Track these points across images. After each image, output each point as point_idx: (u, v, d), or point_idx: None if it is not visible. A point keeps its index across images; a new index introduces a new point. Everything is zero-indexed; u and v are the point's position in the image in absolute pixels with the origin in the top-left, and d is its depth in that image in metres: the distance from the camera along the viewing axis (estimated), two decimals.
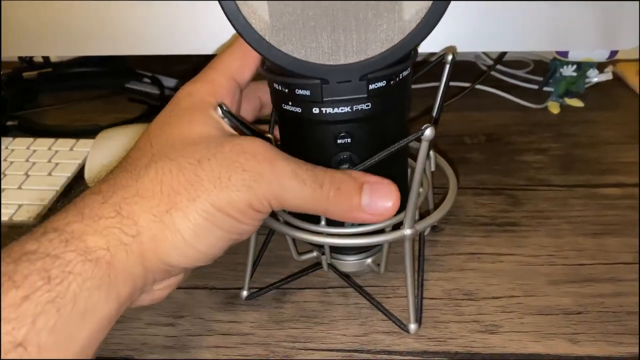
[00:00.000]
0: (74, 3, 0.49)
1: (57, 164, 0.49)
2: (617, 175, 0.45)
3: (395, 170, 0.33)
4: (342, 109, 0.28)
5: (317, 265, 0.36)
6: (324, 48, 0.26)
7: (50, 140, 0.52)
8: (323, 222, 0.31)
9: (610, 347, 0.31)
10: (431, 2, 0.26)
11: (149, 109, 0.58)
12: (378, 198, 0.27)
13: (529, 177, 0.46)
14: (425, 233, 0.38)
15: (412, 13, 0.26)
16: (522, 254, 0.38)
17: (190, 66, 0.64)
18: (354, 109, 0.28)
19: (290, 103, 0.29)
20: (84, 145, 0.51)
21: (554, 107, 0.56)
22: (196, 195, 0.25)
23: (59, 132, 0.54)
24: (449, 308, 0.34)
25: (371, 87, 0.28)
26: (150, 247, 0.25)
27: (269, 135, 0.33)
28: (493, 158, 0.49)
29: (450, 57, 0.33)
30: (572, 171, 0.46)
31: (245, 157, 0.26)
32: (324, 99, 0.28)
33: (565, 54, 0.53)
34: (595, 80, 0.57)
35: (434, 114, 0.33)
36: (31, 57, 0.65)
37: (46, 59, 0.65)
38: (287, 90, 0.29)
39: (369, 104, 0.28)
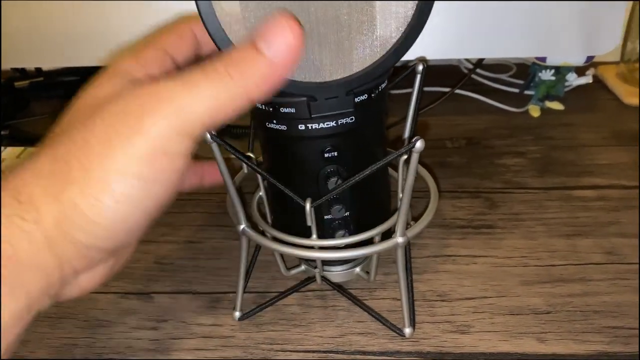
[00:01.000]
0: (63, 14, 0.50)
1: None
2: (592, 177, 0.47)
3: (379, 180, 0.34)
4: (327, 124, 0.29)
5: (310, 279, 0.37)
6: (311, 66, 0.27)
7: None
8: (314, 236, 0.32)
9: (577, 345, 0.32)
10: (410, 19, 0.26)
11: None
12: (278, 42, 0.23)
13: (507, 180, 0.47)
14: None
15: (393, 29, 0.27)
16: (496, 256, 0.39)
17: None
18: (339, 123, 0.29)
19: (274, 121, 0.30)
20: None
21: (534, 111, 0.57)
22: (89, 164, 0.22)
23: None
24: (422, 309, 0.35)
25: (356, 100, 0.29)
26: (57, 232, 0.22)
27: (249, 154, 0.34)
28: (473, 161, 0.50)
29: (420, 67, 0.34)
30: (549, 174, 0.47)
31: (136, 105, 0.23)
32: (312, 115, 0.28)
33: (543, 58, 0.54)
34: (575, 83, 0.58)
35: (408, 125, 0.34)
36: (23, 67, 0.66)
37: (38, 68, 0.66)
38: (271, 109, 0.29)
39: (353, 117, 0.29)
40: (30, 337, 0.34)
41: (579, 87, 0.59)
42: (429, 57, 0.48)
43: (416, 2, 0.26)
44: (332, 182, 0.31)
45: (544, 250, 0.39)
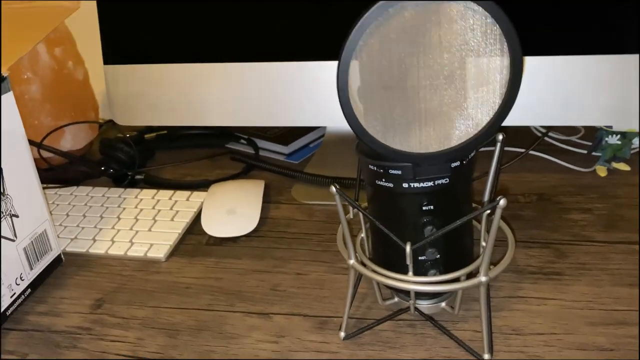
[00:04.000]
0: (189, 84, 0.62)
1: (177, 211, 0.60)
2: None
3: (465, 230, 0.41)
4: (427, 184, 0.37)
5: (403, 309, 0.44)
6: (416, 141, 0.35)
7: (170, 192, 0.64)
8: (410, 273, 0.39)
9: None
10: (497, 107, 0.34)
11: (247, 167, 0.69)
12: None
13: (574, 233, 0.53)
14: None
15: (484, 115, 0.35)
16: (564, 299, 0.45)
17: (279, 130, 0.76)
18: (436, 183, 0.37)
19: (383, 180, 0.38)
20: (197, 197, 0.62)
21: (601, 171, 0.63)
22: None
23: (175, 185, 0.66)
24: (499, 340, 0.41)
25: (451, 166, 0.37)
26: None
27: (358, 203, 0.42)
28: (543, 215, 0.56)
29: (500, 137, 0.42)
30: (614, 229, 0.53)
31: None
32: (415, 178, 0.36)
33: (609, 125, 0.60)
34: None
35: (489, 186, 0.42)
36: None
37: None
38: (382, 170, 0.38)
39: (447, 179, 0.37)
40: (178, 342, 0.43)
41: None
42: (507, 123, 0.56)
43: (502, 94, 0.34)
44: (428, 230, 0.38)
45: (608, 296, 0.45)
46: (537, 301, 0.45)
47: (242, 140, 0.76)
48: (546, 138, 0.70)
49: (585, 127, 0.73)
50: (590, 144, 0.67)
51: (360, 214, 0.42)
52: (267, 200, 0.63)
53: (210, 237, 0.57)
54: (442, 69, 0.34)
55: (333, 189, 0.37)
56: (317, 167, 0.68)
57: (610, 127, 0.60)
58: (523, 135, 0.70)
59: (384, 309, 0.45)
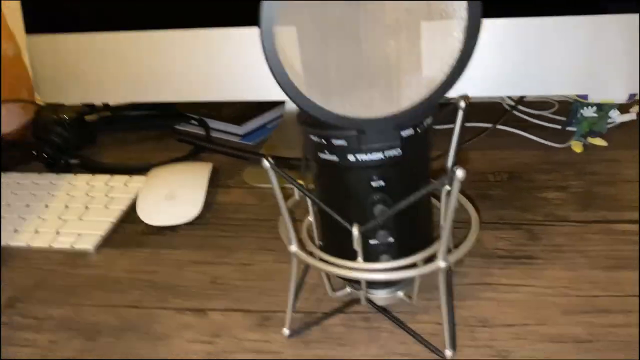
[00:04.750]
0: (127, 56, 0.55)
1: (112, 198, 0.54)
2: (634, 212, 0.47)
3: (422, 209, 0.36)
4: (375, 156, 0.32)
5: (355, 300, 0.39)
6: (361, 103, 0.30)
7: (106, 177, 0.57)
8: (360, 259, 0.34)
9: None
10: (454, 61, 0.29)
11: (195, 149, 0.63)
12: None
13: (548, 212, 0.48)
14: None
15: (437, 70, 0.30)
16: (537, 286, 0.40)
17: (232, 111, 0.70)
18: (386, 155, 0.32)
19: (326, 152, 0.33)
20: (136, 182, 0.56)
21: (577, 147, 0.58)
22: None
23: (113, 170, 0.60)
24: (463, 334, 0.36)
25: (402, 134, 0.31)
26: None
27: (300, 182, 0.36)
28: (514, 195, 0.51)
29: (462, 104, 0.37)
30: (591, 208, 0.48)
31: None
32: (361, 147, 0.31)
33: (584, 95, 0.56)
34: (618, 120, 0.59)
35: (450, 157, 0.37)
36: (93, 103, 0.72)
37: (106, 103, 0.72)
38: (324, 141, 0.32)
39: (400, 149, 0.32)
40: (96, 345, 0.38)
41: (623, 124, 0.59)
42: (472, 94, 0.50)
43: (460, 46, 0.29)
44: (378, 209, 0.33)
45: (585, 281, 0.40)
46: (506, 288, 0.40)
47: (193, 121, 0.70)
48: (518, 113, 0.65)
49: (560, 102, 0.68)
50: (564, 119, 0.63)
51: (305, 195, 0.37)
52: (216, 184, 0.57)
53: (147, 225, 0.51)
54: (388, 17, 0.28)
55: (266, 163, 0.32)
56: (273, 148, 0.62)
57: (586, 97, 0.56)
58: (493, 110, 0.65)
59: (336, 302, 0.40)
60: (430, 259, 0.34)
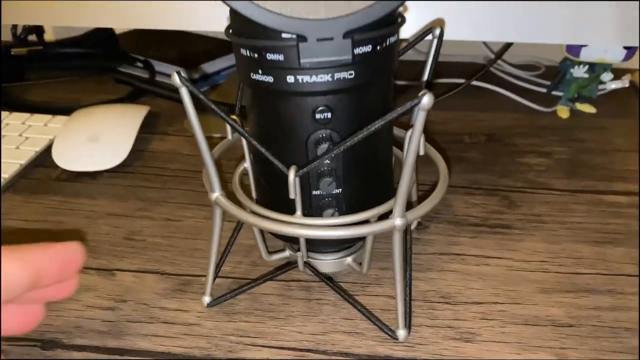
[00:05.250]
0: None
1: (27, 138, 0.46)
2: (625, 183, 0.41)
3: (381, 152, 0.29)
4: (321, 78, 0.24)
5: (291, 264, 0.32)
6: (304, 4, 0.23)
7: (25, 115, 0.49)
8: (298, 213, 0.27)
9: None
10: None
11: (134, 91, 0.55)
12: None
13: (528, 179, 0.42)
14: (413, 227, 0.34)
15: None
16: (511, 258, 0.34)
17: (176, 54, 0.62)
18: (336, 77, 0.24)
19: (260, 71, 0.25)
20: (59, 122, 0.48)
21: (563, 112, 0.52)
22: None
23: (37, 108, 0.51)
24: (422, 311, 0.30)
25: (356, 51, 0.24)
26: None
27: (234, 117, 0.29)
28: (491, 158, 0.45)
29: (438, 31, 0.30)
30: (577, 176, 0.42)
31: None
32: (302, 61, 0.24)
33: (577, 52, 0.49)
34: (611, 86, 0.53)
35: (424, 82, 0.30)
36: (26, 35, 0.63)
37: (40, 37, 0.63)
38: (256, 56, 0.25)
39: (353, 72, 0.25)
40: None
41: (613, 91, 0.54)
42: (450, 37, 0.44)
43: None
44: (323, 149, 0.26)
45: (568, 256, 0.34)
46: (476, 260, 0.34)
47: (138, 63, 0.61)
48: (500, 73, 0.59)
49: (547, 67, 0.62)
50: (550, 83, 0.56)
51: (243, 139, 0.29)
52: (152, 130, 0.49)
53: (64, 171, 0.43)
54: None
55: (176, 78, 0.25)
56: (224, 95, 0.55)
57: (577, 54, 0.49)
58: (473, 69, 0.59)
59: (273, 267, 0.33)
60: (387, 217, 0.28)
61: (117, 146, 0.43)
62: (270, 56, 0.24)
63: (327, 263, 0.31)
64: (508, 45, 0.52)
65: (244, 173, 0.32)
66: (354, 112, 0.26)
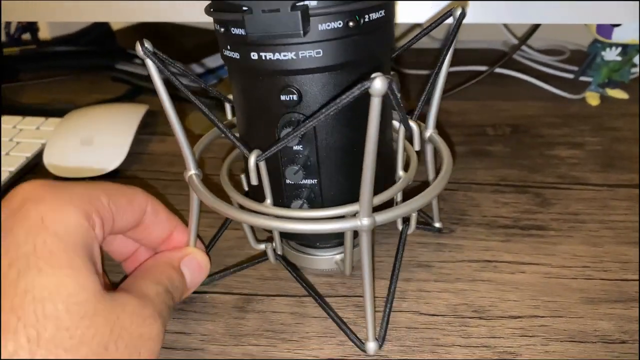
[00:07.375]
0: None
1: (18, 143, 0.43)
2: None
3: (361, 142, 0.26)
4: (284, 55, 0.22)
5: (264, 255, 0.30)
6: None
7: (17, 118, 0.46)
8: (268, 201, 0.25)
9: None
10: None
11: (132, 90, 0.52)
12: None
13: (561, 174, 0.38)
14: (410, 230, 0.31)
15: None
16: (549, 264, 0.30)
17: (175, 49, 0.59)
18: (301, 55, 0.22)
19: (228, 47, 0.24)
20: (51, 125, 0.45)
21: (592, 98, 0.48)
22: None
23: (29, 111, 0.48)
24: (453, 328, 0.27)
25: (320, 27, 0.22)
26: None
27: (230, 97, 0.28)
28: (519, 152, 0.41)
29: (458, 12, 0.27)
30: (614, 169, 0.38)
31: None
32: (248, 34, 0.22)
33: (608, 33, 0.45)
34: None
35: (432, 82, 0.27)
36: (19, 34, 0.60)
37: (34, 36, 0.60)
38: (223, 30, 0.24)
39: (320, 50, 0.22)
40: None
41: None
42: (468, 21, 0.40)
43: None
44: (288, 132, 0.24)
45: (613, 260, 0.30)
46: (510, 267, 0.30)
47: (137, 60, 0.58)
48: (523, 59, 0.55)
49: (572, 51, 0.58)
50: (576, 69, 0.53)
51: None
52: (151, 131, 0.46)
53: (55, 177, 0.40)
54: None
55: (139, 48, 0.23)
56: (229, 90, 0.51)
57: (609, 35, 0.45)
58: (495, 56, 0.55)
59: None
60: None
61: (113, 149, 0.40)
62: (234, 30, 0.23)
63: (314, 259, 0.29)
64: (535, 28, 0.48)
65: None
66: (326, 96, 0.24)
